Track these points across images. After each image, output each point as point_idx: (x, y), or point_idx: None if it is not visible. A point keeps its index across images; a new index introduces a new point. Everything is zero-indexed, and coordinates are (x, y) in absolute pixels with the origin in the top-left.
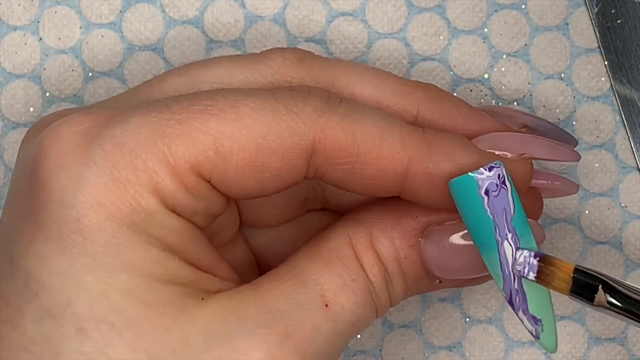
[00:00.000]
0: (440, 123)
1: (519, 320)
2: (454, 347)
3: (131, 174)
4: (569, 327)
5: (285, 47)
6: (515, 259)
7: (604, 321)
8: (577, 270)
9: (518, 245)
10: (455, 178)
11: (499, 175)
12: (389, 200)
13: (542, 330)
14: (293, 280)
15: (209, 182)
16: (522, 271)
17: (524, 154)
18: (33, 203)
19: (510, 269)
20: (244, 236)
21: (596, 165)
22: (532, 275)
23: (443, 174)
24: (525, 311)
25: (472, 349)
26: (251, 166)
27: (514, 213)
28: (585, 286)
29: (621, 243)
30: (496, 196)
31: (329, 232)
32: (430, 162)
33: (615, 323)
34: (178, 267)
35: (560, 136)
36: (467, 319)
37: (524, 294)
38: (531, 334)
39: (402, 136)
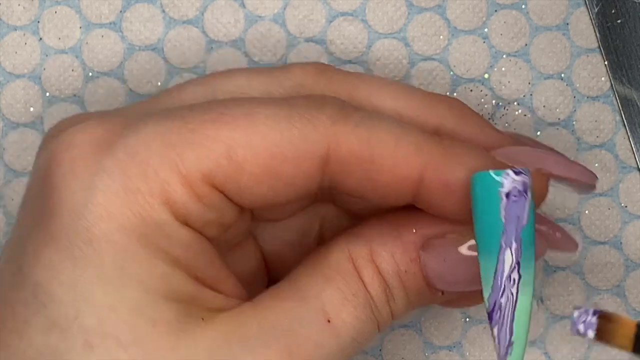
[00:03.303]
0: (461, 138)
1: (491, 336)
2: (454, 347)
3: (142, 183)
4: (569, 327)
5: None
6: (574, 320)
7: None
8: (639, 326)
9: (519, 259)
10: (481, 172)
11: (524, 182)
12: (389, 214)
13: (511, 354)
14: (294, 296)
15: (222, 191)
16: (580, 329)
17: (541, 168)
18: (44, 210)
19: (503, 281)
20: (252, 231)
21: (596, 165)
22: (591, 334)
23: (458, 181)
24: (501, 329)
25: (472, 349)
26: (265, 174)
27: (525, 225)
28: None
29: (621, 243)
30: (515, 202)
31: (329, 246)
32: (446, 169)
33: None
34: (182, 283)
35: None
36: (467, 319)
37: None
38: (497, 354)
39: (417, 142)
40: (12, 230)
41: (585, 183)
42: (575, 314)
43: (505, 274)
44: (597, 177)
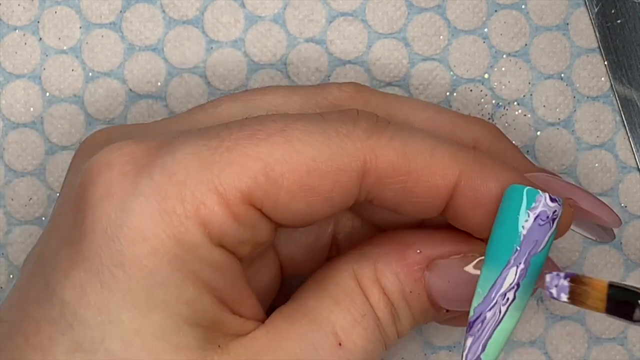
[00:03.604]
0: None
1: (462, 343)
2: (454, 347)
3: (179, 205)
4: (569, 327)
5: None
6: (547, 283)
7: (604, 321)
8: (611, 286)
9: (520, 281)
10: (517, 185)
11: (555, 211)
12: (394, 234)
13: None
14: (305, 319)
15: (259, 209)
16: (553, 293)
17: (570, 199)
18: (76, 230)
19: (497, 296)
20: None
21: (596, 165)
22: (564, 297)
23: (490, 192)
24: (475, 342)
25: None
26: (302, 189)
27: (539, 252)
28: (623, 302)
29: (621, 243)
30: (540, 225)
31: (335, 267)
32: (479, 179)
33: (616, 323)
34: (207, 308)
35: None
36: None
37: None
38: None
39: (452, 152)
40: (38, 242)
41: (609, 225)
42: (547, 278)
43: (502, 289)
44: (621, 222)
